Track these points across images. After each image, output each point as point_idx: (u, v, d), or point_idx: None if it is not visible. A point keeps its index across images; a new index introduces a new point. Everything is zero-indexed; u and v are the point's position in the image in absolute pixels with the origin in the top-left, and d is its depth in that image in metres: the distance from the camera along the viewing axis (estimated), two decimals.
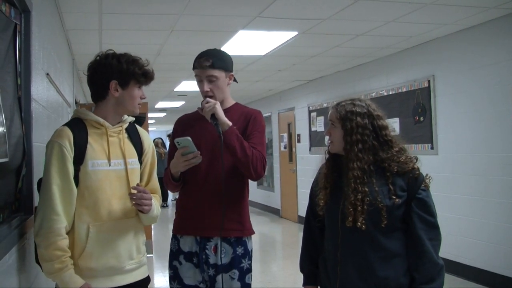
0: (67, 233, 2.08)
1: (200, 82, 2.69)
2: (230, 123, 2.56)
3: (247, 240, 2.74)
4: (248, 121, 2.71)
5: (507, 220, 5.19)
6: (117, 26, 5.28)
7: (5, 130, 1.96)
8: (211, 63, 2.62)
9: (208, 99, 2.59)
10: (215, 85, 2.66)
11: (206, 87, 2.64)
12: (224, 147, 2.56)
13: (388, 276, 2.11)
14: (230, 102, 2.80)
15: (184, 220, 2.74)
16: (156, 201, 2.36)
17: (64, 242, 2.04)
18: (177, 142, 2.49)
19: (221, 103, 2.72)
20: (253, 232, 2.78)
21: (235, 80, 2.79)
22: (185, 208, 2.75)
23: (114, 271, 2.18)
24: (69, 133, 2.10)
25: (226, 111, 2.72)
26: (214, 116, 2.56)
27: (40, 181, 2.27)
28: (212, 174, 2.63)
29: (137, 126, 2.43)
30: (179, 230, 2.76)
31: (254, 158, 2.57)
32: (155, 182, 2.46)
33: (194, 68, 2.70)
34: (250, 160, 2.55)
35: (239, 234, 2.69)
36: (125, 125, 2.32)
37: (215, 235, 2.65)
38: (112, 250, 2.16)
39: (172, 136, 2.83)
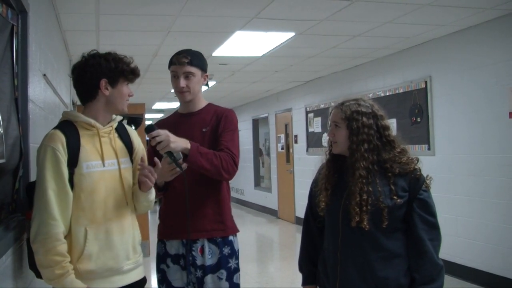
0: (64, 237, 2.06)
1: (175, 78, 2.73)
2: (188, 145, 2.48)
3: (233, 240, 2.76)
4: (220, 120, 2.73)
5: (504, 221, 5.20)
6: (114, 27, 5.28)
7: (2, 131, 1.96)
8: (189, 60, 2.68)
9: (157, 131, 2.41)
10: (191, 82, 2.70)
11: (182, 83, 2.69)
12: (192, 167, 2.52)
13: (388, 276, 2.11)
14: (203, 103, 2.84)
15: (168, 227, 2.76)
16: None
17: (63, 247, 2.02)
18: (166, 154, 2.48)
19: (194, 103, 2.78)
20: (237, 230, 2.80)
21: (207, 84, 2.83)
22: (168, 215, 2.77)
23: (113, 272, 2.18)
24: (61, 136, 2.08)
25: (199, 112, 2.79)
26: (170, 152, 2.43)
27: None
28: (189, 179, 2.61)
29: (125, 125, 2.43)
30: (164, 236, 2.77)
31: (224, 163, 2.58)
32: None
33: (171, 64, 2.74)
34: (220, 167, 2.56)
35: (222, 234, 2.71)
36: (115, 125, 2.32)
37: (200, 237, 2.67)
38: (109, 251, 2.16)
39: (149, 141, 2.82)
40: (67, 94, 5.69)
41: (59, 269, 1.98)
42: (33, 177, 2.53)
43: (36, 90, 2.92)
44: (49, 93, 3.66)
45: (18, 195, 2.35)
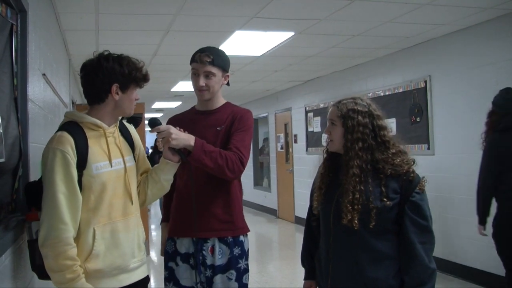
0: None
1: (195, 76, 2.70)
2: (192, 142, 2.46)
3: (244, 240, 2.75)
4: (235, 119, 2.72)
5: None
6: (113, 26, 5.28)
7: (1, 131, 1.96)
8: (211, 59, 2.65)
9: (158, 127, 2.41)
10: (211, 81, 2.68)
11: (202, 82, 2.66)
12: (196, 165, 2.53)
13: (377, 277, 2.11)
14: (221, 102, 2.82)
15: (179, 224, 2.75)
16: None
17: (74, 251, 2.01)
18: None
19: (212, 102, 2.76)
20: (247, 230, 2.79)
21: (228, 83, 2.80)
22: (178, 213, 2.76)
23: (120, 270, 2.18)
24: (70, 139, 2.06)
25: (216, 111, 2.76)
26: (174, 149, 2.42)
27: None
28: (198, 178, 2.62)
29: (124, 122, 2.43)
30: (175, 233, 2.76)
31: (229, 163, 2.55)
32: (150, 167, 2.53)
33: (192, 61, 2.71)
34: (224, 167, 2.53)
35: (231, 234, 2.70)
36: (118, 124, 2.32)
37: (209, 236, 2.67)
38: (116, 249, 2.17)
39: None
40: (67, 93, 5.69)
41: (70, 273, 1.98)
42: (32, 177, 2.53)
43: (36, 89, 2.92)
44: (48, 92, 3.66)
45: (18, 194, 2.35)
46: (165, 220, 2.95)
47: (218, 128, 2.70)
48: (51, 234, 1.98)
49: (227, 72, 2.76)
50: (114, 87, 2.16)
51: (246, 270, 2.73)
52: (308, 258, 2.46)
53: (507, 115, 4.14)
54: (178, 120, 2.82)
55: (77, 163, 2.06)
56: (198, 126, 2.67)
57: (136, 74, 2.20)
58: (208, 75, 2.67)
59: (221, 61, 2.70)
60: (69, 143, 2.05)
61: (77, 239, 2.07)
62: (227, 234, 2.69)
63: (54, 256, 1.98)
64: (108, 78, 2.15)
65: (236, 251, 2.69)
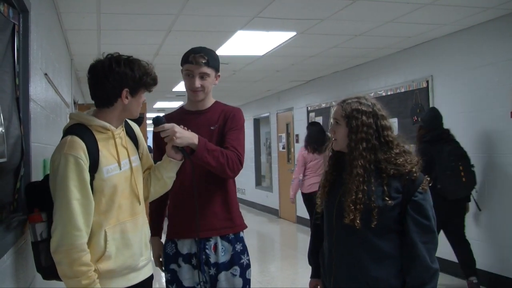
0: None
1: (190, 77, 2.70)
2: (196, 140, 2.47)
3: (244, 236, 2.77)
4: (227, 118, 2.74)
5: (504, 220, 5.19)
6: (115, 26, 5.28)
7: (3, 131, 1.96)
8: (207, 60, 2.66)
9: (163, 126, 2.42)
10: (206, 82, 2.70)
11: (198, 83, 2.67)
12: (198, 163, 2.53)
13: (378, 277, 2.11)
14: (211, 101, 2.84)
15: (179, 225, 2.75)
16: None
17: (88, 257, 2.02)
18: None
19: (203, 102, 2.78)
20: (245, 227, 2.81)
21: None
22: (179, 214, 2.76)
23: (130, 269, 2.20)
24: (81, 143, 2.04)
25: (207, 111, 2.79)
26: (177, 147, 2.44)
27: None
28: (198, 177, 2.61)
29: (127, 120, 2.42)
30: (176, 234, 2.76)
31: (229, 162, 2.57)
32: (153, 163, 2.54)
33: (186, 62, 2.70)
34: (225, 166, 2.55)
35: (230, 231, 2.72)
36: (123, 124, 2.32)
37: (211, 235, 2.68)
38: (127, 249, 2.18)
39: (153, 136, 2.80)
40: (69, 93, 5.70)
41: (86, 279, 1.98)
42: (34, 177, 2.53)
43: (38, 89, 2.92)
44: (50, 92, 3.66)
45: (19, 194, 2.35)
46: (155, 234, 2.84)
47: (211, 128, 2.72)
48: (65, 241, 1.98)
49: (219, 72, 2.79)
50: (125, 92, 2.15)
51: (249, 266, 2.75)
52: (315, 256, 2.47)
53: (432, 130, 5.17)
54: (172, 118, 2.81)
55: (89, 167, 2.05)
56: (190, 126, 2.64)
57: (147, 79, 2.20)
58: (203, 76, 2.68)
59: (215, 61, 2.73)
60: (81, 148, 2.03)
61: (88, 241, 2.06)
62: (228, 232, 2.71)
63: (68, 262, 1.98)
64: (119, 82, 2.13)
65: (238, 247, 2.72)
